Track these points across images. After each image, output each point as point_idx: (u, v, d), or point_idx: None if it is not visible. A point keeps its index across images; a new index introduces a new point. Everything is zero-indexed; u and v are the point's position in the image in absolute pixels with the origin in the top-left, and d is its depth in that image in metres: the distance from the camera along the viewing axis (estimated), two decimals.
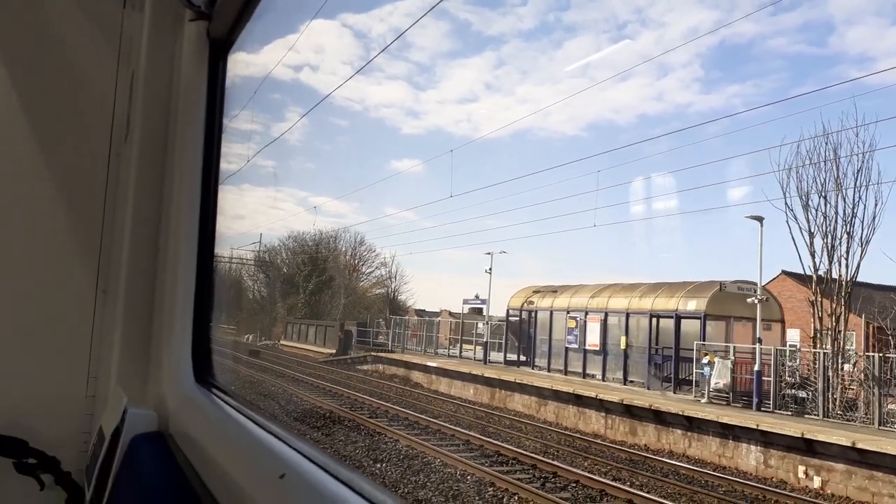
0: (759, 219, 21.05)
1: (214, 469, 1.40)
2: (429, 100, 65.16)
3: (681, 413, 17.78)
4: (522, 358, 31.74)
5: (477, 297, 36.35)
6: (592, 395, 20.74)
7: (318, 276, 67.92)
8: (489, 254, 33.71)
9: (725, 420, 16.54)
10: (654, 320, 25.07)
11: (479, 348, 35.08)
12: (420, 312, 70.13)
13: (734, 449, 16.41)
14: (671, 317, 24.32)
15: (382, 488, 1.00)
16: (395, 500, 1.13)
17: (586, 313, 27.76)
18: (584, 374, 27.31)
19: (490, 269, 33.81)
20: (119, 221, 2.44)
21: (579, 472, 13.64)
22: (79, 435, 2.37)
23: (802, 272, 26.20)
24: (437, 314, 77.19)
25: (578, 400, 21.42)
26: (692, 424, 17.55)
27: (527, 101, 57.73)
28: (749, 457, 16.00)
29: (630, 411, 19.45)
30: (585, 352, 27.48)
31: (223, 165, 2.43)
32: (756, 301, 21.10)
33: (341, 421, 18.93)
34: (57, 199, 2.47)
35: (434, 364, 30.58)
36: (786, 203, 22.18)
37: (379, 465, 13.30)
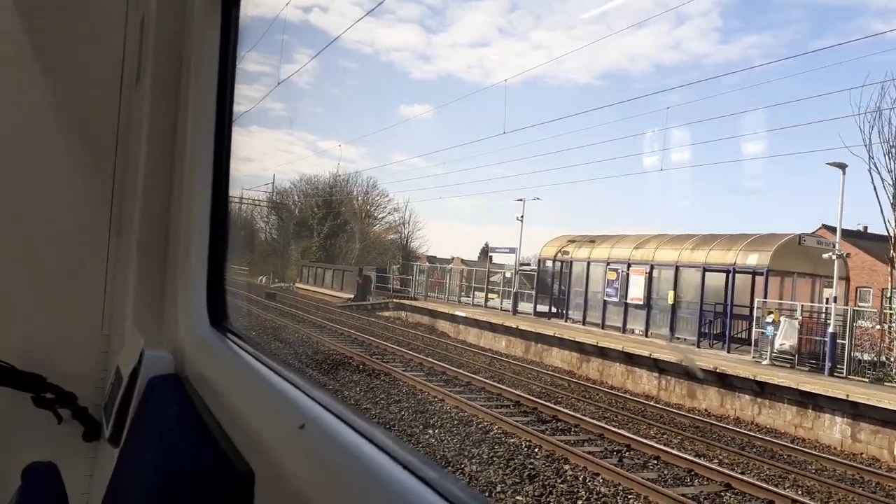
0: (842, 166, 19.00)
1: (233, 415, 1.40)
2: (440, 44, 62.97)
3: (752, 377, 16.15)
4: (553, 310, 30.18)
5: (507, 247, 34.48)
6: (645, 353, 19.14)
7: (332, 220, 66.19)
8: (521, 200, 31.74)
9: (808, 388, 14.90)
10: (707, 274, 23.28)
11: (500, 298, 33.61)
12: (431, 259, 69.02)
13: (815, 419, 14.83)
14: (727, 271, 22.52)
15: (400, 440, 1.07)
16: (413, 454, 0.87)
17: (629, 265, 25.97)
18: (625, 329, 25.72)
19: (522, 216, 31.87)
20: (132, 164, 2.44)
21: (656, 445, 12.08)
22: (95, 372, 2.41)
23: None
24: (448, 261, 76.09)
25: (628, 358, 19.85)
26: (764, 390, 15.95)
27: (541, 47, 56.05)
28: (833, 429, 14.42)
29: (687, 372, 17.87)
30: (626, 306, 25.81)
31: (235, 107, 2.32)
32: (834, 256, 19.23)
33: (377, 375, 17.44)
34: (68, 142, 2.47)
35: (462, 314, 29.05)
36: (868, 152, 20.08)
37: (432, 432, 11.76)
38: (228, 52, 2.20)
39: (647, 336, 24.50)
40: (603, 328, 26.56)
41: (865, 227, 36.42)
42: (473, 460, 10.18)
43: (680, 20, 51.57)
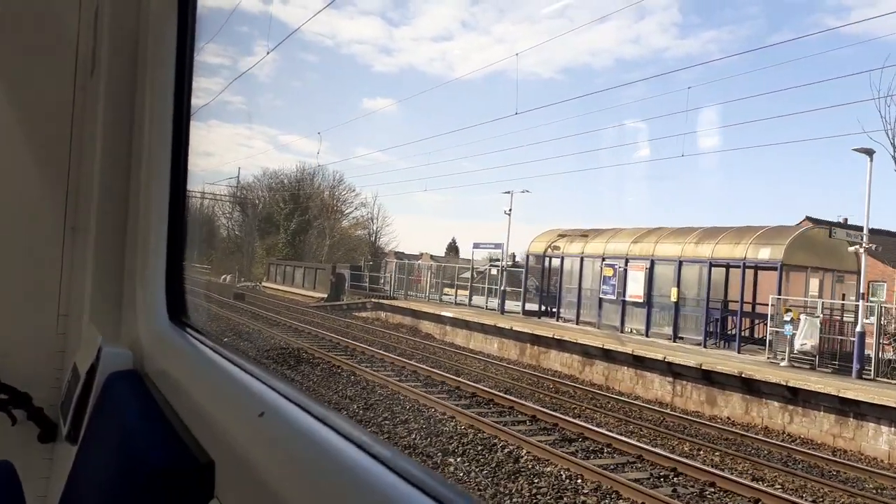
0: (870, 152, 17.88)
1: (193, 407, 1.40)
2: (403, 37, 63.12)
3: (784, 383, 14.88)
4: (543, 308, 28.78)
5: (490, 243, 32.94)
6: (659, 356, 17.78)
7: (300, 215, 63.83)
8: (508, 192, 30.17)
9: (850, 395, 13.67)
10: (712, 270, 22.08)
11: (485, 297, 32.09)
12: (399, 255, 67.49)
13: (856, 429, 13.63)
14: (737, 266, 21.34)
15: (354, 423, 1.07)
16: (367, 434, 0.94)
17: (626, 260, 24.67)
18: (622, 328, 24.44)
19: (510, 210, 30.33)
20: (87, 157, 2.39)
21: (703, 467, 10.65)
22: (50, 372, 2.37)
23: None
24: (416, 257, 74.48)
25: (637, 361, 18.49)
26: (797, 396, 14.71)
27: (504, 41, 55.53)
28: (878, 440, 13.23)
29: (708, 377, 16.56)
30: (624, 303, 24.52)
31: (195, 101, 2.29)
32: (861, 250, 18.13)
33: (372, 388, 15.70)
34: (21, 135, 2.40)
35: (449, 314, 27.42)
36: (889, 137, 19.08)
37: (454, 461, 10.10)
38: (186, 43, 2.14)
39: (647, 336, 23.25)
40: (599, 327, 25.24)
41: (846, 219, 36.01)
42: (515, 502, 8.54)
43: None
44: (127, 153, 2.22)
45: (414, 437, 11.48)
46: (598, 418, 14.36)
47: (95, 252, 2.20)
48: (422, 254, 74.81)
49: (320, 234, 62.48)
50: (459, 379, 16.95)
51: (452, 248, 73.89)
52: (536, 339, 22.33)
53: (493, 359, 22.41)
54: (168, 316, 2.06)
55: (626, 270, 24.55)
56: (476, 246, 33.46)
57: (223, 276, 62.66)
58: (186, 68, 2.15)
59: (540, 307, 28.80)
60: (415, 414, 13.16)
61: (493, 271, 31.64)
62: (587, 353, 20.37)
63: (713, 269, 22.24)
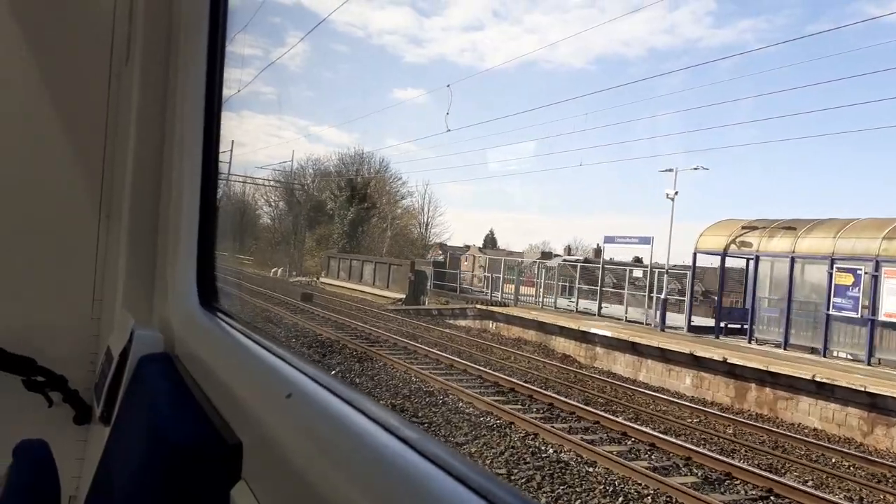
0: None
1: (221, 389, 1.41)
2: (433, 27, 61.95)
3: None
4: (722, 324, 21.54)
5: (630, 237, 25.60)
6: None
7: (359, 203, 57.17)
8: (669, 170, 22.78)
9: None
10: None
11: (599, 301, 24.95)
12: (442, 247, 61.43)
13: None
14: None
15: (384, 407, 1.00)
16: (395, 417, 0.93)
17: (877, 263, 17.27)
18: (870, 359, 17.10)
19: (674, 194, 22.96)
20: (121, 145, 2.43)
21: None
22: (85, 355, 2.41)
23: None
24: (462, 250, 67.82)
25: None
26: None
27: (535, 31, 53.66)
28: None
29: None
30: (873, 324, 17.16)
31: (226, 91, 2.32)
32: None
33: (548, 451, 8.74)
34: (58, 124, 2.41)
35: (601, 330, 20.30)
36: None
37: None
38: (218, 33, 2.17)
39: None
40: (824, 355, 17.96)
41: None
42: None
43: None
44: (160, 141, 2.23)
45: None
46: None
47: (128, 238, 2.23)
48: (468, 246, 68.08)
49: (382, 223, 55.81)
50: (681, 443, 9.95)
51: (490, 241, 68.00)
52: (770, 378, 15.11)
53: (691, 402, 15.34)
54: (199, 300, 2.07)
55: (877, 278, 17.14)
56: (610, 240, 26.09)
57: (274, 270, 56.51)
58: (218, 58, 2.18)
59: (717, 323, 21.53)
60: None
61: (639, 273, 24.32)
62: (877, 405, 13.12)
63: None
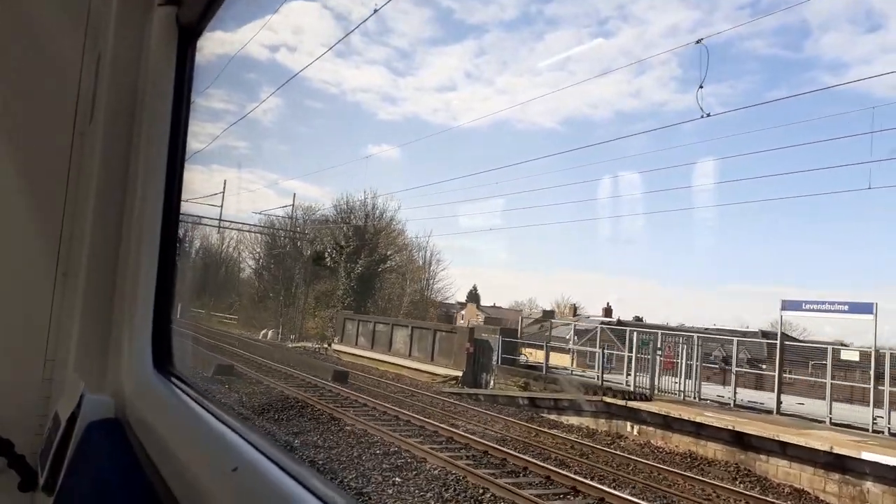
0: None
1: (169, 458, 1.38)
2: (407, 86, 62.47)
3: None
4: None
5: None
6: None
7: (368, 255, 49.00)
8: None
9: None
10: None
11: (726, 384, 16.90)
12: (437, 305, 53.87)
13: None
14: None
15: (333, 485, 0.95)
16: (345, 497, 0.97)
17: None
18: None
19: None
20: (82, 203, 2.38)
21: None
22: (34, 418, 2.28)
23: None
24: (455, 307, 59.83)
25: None
26: None
27: (506, 92, 56.29)
28: None
29: None
30: None
31: (196, 145, 2.33)
32: None
33: None
34: (17, 178, 2.37)
35: (877, 455, 12.23)
36: None
37: None
38: (183, 91, 2.18)
39: None
40: None
41: None
42: None
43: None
44: (121, 200, 2.19)
45: None
46: None
47: (84, 298, 2.16)
48: (463, 304, 60.26)
49: (399, 279, 47.51)
50: None
51: (473, 297, 61.42)
52: None
53: None
54: (153, 364, 2.03)
55: None
56: (795, 307, 18.15)
57: (263, 332, 47.65)
58: (182, 120, 2.18)
59: None
60: None
61: (852, 355, 16.46)
62: None
63: None
